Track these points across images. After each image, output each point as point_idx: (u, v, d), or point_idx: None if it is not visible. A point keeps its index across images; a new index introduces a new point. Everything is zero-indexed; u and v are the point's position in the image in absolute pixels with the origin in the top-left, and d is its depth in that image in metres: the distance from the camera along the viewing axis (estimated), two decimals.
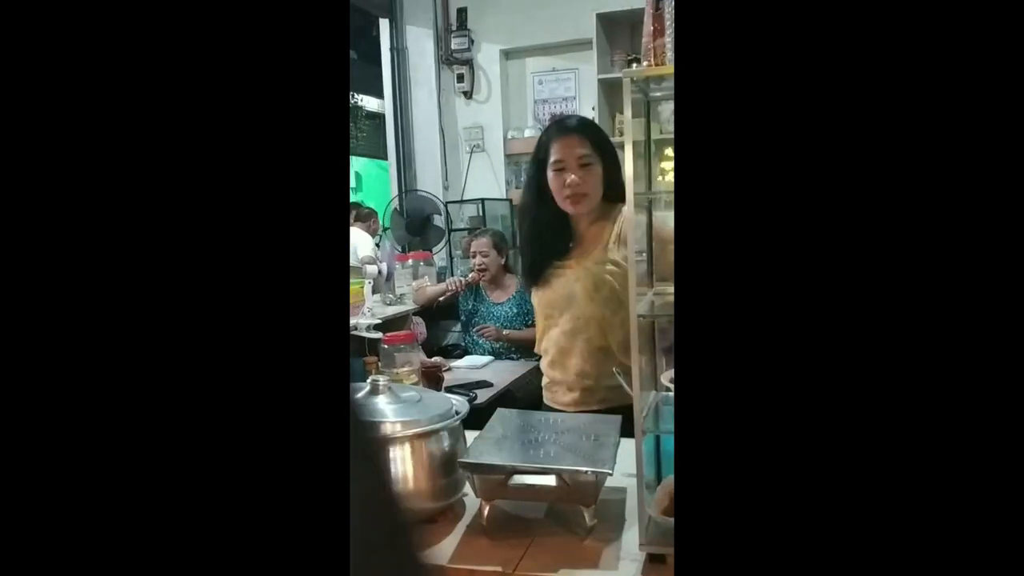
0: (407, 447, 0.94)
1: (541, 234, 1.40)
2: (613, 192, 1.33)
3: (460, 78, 3.80)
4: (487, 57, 3.78)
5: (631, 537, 0.90)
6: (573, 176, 1.31)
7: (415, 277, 3.20)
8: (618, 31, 3.44)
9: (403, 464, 0.94)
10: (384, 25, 3.90)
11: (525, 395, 2.42)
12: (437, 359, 2.46)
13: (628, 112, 0.85)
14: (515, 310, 2.83)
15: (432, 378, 2.18)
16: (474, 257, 2.87)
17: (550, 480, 0.88)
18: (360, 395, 1.01)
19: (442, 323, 3.29)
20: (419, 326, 2.93)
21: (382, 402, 1.00)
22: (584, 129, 1.37)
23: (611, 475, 0.87)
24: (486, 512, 0.92)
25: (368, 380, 1.01)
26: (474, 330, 2.81)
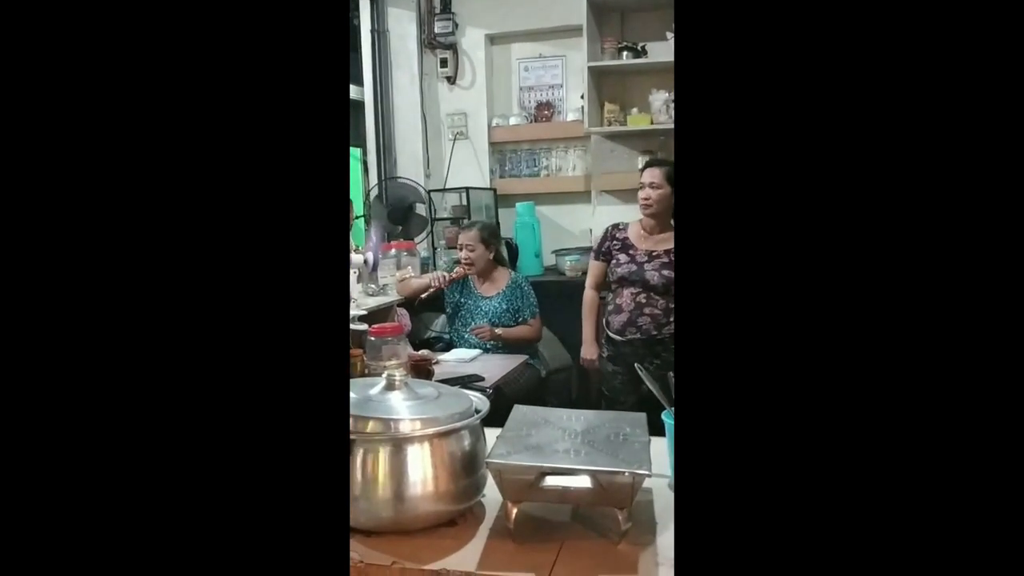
0: (427, 447, 0.88)
1: None
2: None
3: (443, 63, 3.71)
4: (471, 42, 3.69)
5: (665, 541, 0.86)
6: None
7: (398, 267, 3.12)
8: (608, 18, 3.38)
9: (423, 465, 0.88)
10: (365, 7, 3.79)
11: (515, 390, 2.37)
12: (425, 352, 2.40)
13: None
14: (504, 305, 2.76)
15: (422, 372, 2.11)
16: (461, 250, 2.79)
17: (583, 481, 0.83)
18: (374, 391, 0.94)
19: (424, 315, 3.22)
20: (403, 317, 2.85)
21: (397, 398, 0.94)
22: None
23: (649, 476, 0.83)
24: (513, 515, 0.87)
25: (384, 375, 0.95)
26: (468, 331, 2.74)
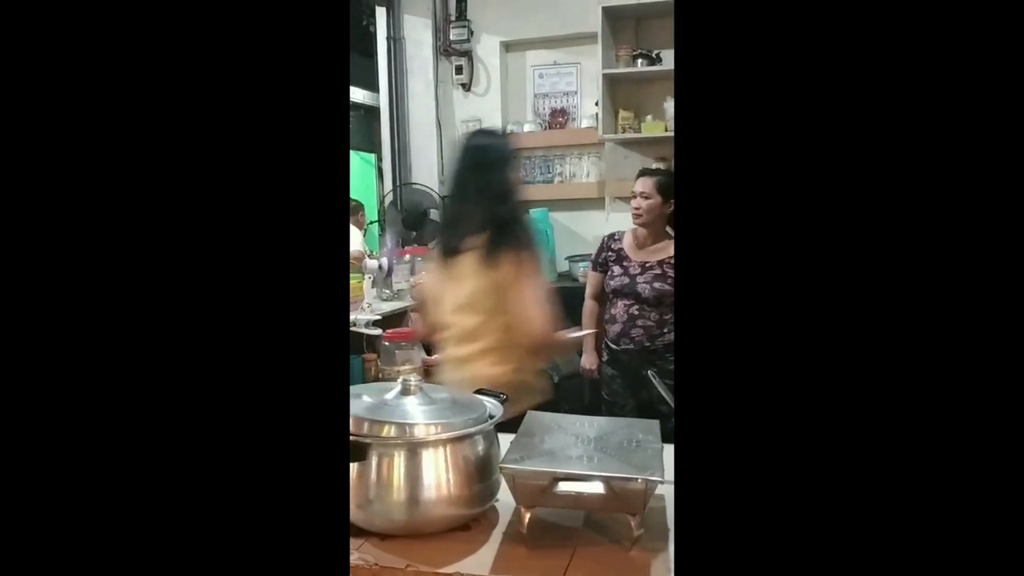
0: (441, 451, 0.89)
1: None
2: None
3: (459, 70, 3.73)
4: (486, 49, 3.71)
5: None
6: None
7: (412, 272, 3.14)
8: (623, 25, 3.39)
9: (437, 469, 0.89)
10: (381, 14, 3.83)
11: None
12: (438, 357, 2.41)
13: None
14: None
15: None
16: None
17: (597, 487, 0.84)
18: (390, 395, 0.96)
19: None
20: (418, 322, 2.87)
21: (412, 403, 0.95)
22: None
23: (662, 483, 0.83)
24: (526, 520, 0.88)
25: (399, 380, 0.96)
26: None
